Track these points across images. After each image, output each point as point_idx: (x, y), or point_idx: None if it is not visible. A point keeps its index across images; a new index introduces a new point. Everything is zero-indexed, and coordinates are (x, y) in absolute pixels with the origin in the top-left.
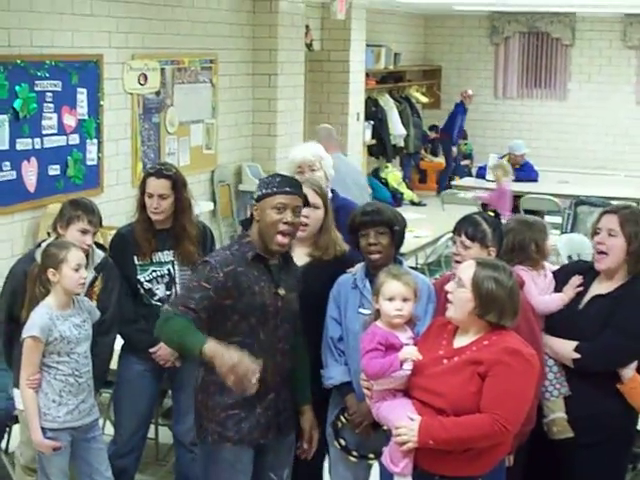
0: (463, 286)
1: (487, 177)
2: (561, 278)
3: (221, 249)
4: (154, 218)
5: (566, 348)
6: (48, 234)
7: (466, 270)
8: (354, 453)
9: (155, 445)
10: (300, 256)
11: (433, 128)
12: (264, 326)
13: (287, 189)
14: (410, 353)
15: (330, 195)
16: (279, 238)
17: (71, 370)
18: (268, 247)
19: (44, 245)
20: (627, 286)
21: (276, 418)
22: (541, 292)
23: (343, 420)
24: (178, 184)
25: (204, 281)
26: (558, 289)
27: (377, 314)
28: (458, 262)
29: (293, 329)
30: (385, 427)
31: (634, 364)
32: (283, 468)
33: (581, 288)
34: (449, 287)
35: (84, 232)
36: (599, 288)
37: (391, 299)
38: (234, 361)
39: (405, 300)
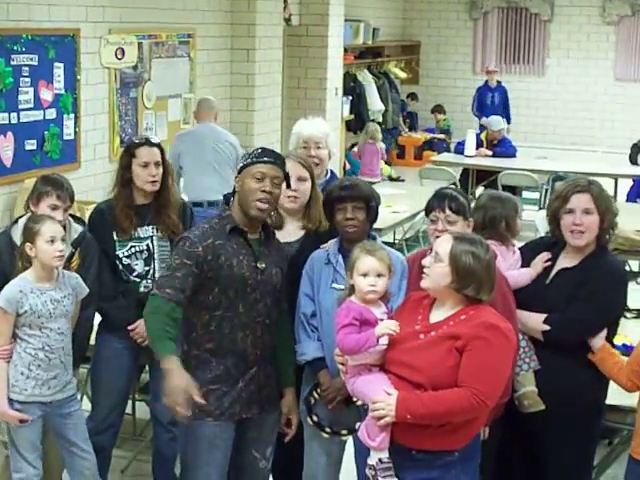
0: (441, 260)
1: (465, 152)
2: (527, 254)
3: (201, 223)
4: (150, 188)
5: (535, 320)
6: (26, 211)
7: (443, 244)
8: (327, 429)
9: (132, 420)
10: (294, 230)
11: (410, 96)
12: (243, 300)
13: (265, 159)
14: (387, 327)
15: (328, 175)
16: (258, 204)
17: (41, 344)
18: (248, 214)
19: (20, 222)
20: (592, 258)
21: (258, 393)
22: (509, 267)
23: (316, 396)
24: (163, 153)
25: (185, 258)
26: (524, 265)
27: (351, 289)
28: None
29: (275, 304)
30: (359, 402)
31: (603, 333)
32: (266, 446)
33: (549, 263)
34: (426, 261)
35: (54, 208)
36: (565, 262)
37: (365, 275)
38: (179, 385)
39: (379, 275)
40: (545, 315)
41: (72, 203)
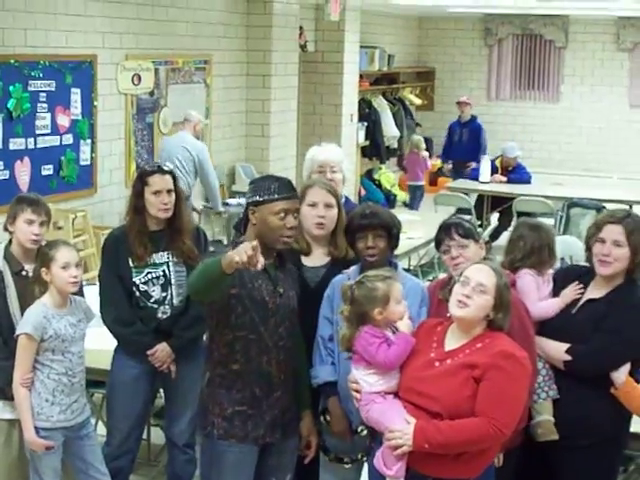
0: (485, 292)
1: (480, 179)
2: (558, 282)
3: (218, 252)
4: (163, 216)
5: (558, 350)
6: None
7: (485, 276)
8: (331, 455)
9: (147, 445)
10: (319, 256)
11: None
12: (265, 323)
13: (287, 194)
14: (407, 324)
15: (343, 199)
16: (284, 239)
17: (65, 369)
18: (272, 247)
19: (1, 246)
20: (620, 290)
21: (282, 417)
22: (542, 299)
23: (323, 421)
24: (176, 180)
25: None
26: (554, 293)
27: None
28: (458, 264)
29: (293, 328)
30: (364, 433)
31: (625, 368)
32: (285, 472)
33: (580, 295)
34: (465, 291)
35: (30, 222)
36: (593, 292)
37: (399, 301)
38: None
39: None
40: (567, 345)
41: (48, 218)
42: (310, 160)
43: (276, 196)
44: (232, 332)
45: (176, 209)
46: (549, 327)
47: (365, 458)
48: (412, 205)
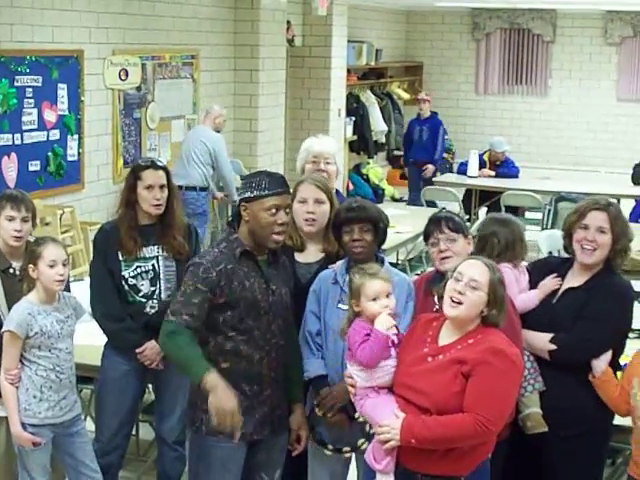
0: (479, 289)
1: (468, 173)
2: (534, 274)
3: (209, 248)
4: (154, 212)
5: (542, 340)
6: None
7: (479, 272)
8: (329, 447)
9: (136, 441)
10: (313, 252)
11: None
12: (258, 322)
13: (279, 190)
14: (386, 320)
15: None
16: (275, 237)
17: (52, 365)
18: (263, 245)
19: None
20: (598, 278)
21: (271, 415)
22: (522, 290)
23: (318, 413)
24: (169, 175)
25: (200, 284)
26: (531, 285)
27: (355, 315)
28: (445, 258)
29: (286, 324)
30: (361, 419)
31: (606, 356)
32: (275, 469)
33: (558, 286)
34: (458, 287)
35: (10, 219)
36: (572, 281)
37: (375, 299)
38: (227, 407)
39: (388, 295)
40: (551, 335)
41: (32, 214)
42: (305, 151)
43: (267, 192)
44: (222, 334)
45: (169, 204)
46: (530, 319)
47: (365, 445)
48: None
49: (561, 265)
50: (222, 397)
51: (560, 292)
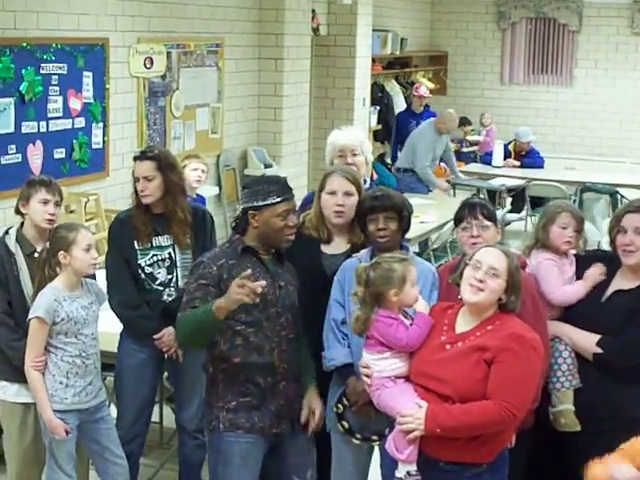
0: (498, 276)
1: (493, 163)
2: (581, 266)
3: (213, 248)
4: (143, 201)
5: (588, 341)
6: (21, 216)
7: (497, 259)
8: (357, 435)
9: (160, 429)
10: (340, 244)
11: None
12: (265, 313)
13: (287, 196)
14: (424, 303)
15: (367, 184)
16: (288, 237)
17: (78, 351)
18: (275, 246)
19: (11, 231)
20: None
21: (288, 409)
22: (567, 280)
23: (345, 403)
24: (162, 164)
25: (201, 279)
26: (578, 276)
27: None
28: (475, 244)
29: (295, 321)
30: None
31: None
32: (306, 469)
33: (603, 277)
34: (478, 275)
35: (45, 202)
36: (621, 283)
37: (414, 284)
38: (236, 283)
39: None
40: (598, 336)
41: (61, 198)
42: (331, 145)
43: (278, 199)
44: (231, 328)
45: (168, 195)
46: (575, 313)
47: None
48: None
49: (610, 260)
50: (229, 293)
51: (609, 292)
